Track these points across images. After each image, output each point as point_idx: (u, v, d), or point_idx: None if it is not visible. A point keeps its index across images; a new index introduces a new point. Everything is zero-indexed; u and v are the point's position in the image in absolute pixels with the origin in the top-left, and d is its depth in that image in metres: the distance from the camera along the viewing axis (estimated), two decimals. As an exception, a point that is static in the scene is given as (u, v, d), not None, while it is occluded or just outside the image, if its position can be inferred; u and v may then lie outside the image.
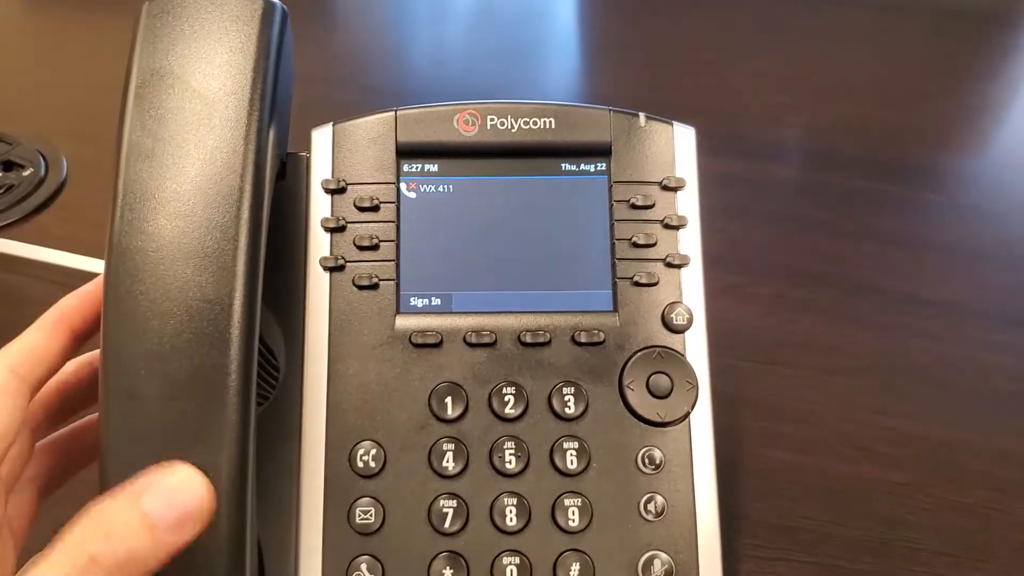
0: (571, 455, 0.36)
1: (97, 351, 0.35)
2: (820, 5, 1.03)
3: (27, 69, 0.88)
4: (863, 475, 0.48)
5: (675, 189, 0.39)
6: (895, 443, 0.50)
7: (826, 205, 0.70)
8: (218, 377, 0.32)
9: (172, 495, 0.28)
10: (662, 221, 0.38)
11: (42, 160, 0.70)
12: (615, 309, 0.38)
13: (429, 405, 0.36)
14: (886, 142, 0.79)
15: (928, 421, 0.51)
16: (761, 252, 0.64)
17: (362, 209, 0.38)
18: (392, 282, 0.37)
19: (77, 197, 0.66)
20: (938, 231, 0.68)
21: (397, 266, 0.38)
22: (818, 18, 1.00)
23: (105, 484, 0.31)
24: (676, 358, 0.37)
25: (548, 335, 0.37)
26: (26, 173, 0.69)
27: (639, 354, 0.37)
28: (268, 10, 0.37)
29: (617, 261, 0.38)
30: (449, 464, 0.36)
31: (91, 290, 0.36)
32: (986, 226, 0.68)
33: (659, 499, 0.36)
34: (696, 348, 0.37)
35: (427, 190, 0.39)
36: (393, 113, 0.39)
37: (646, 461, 0.36)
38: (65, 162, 0.71)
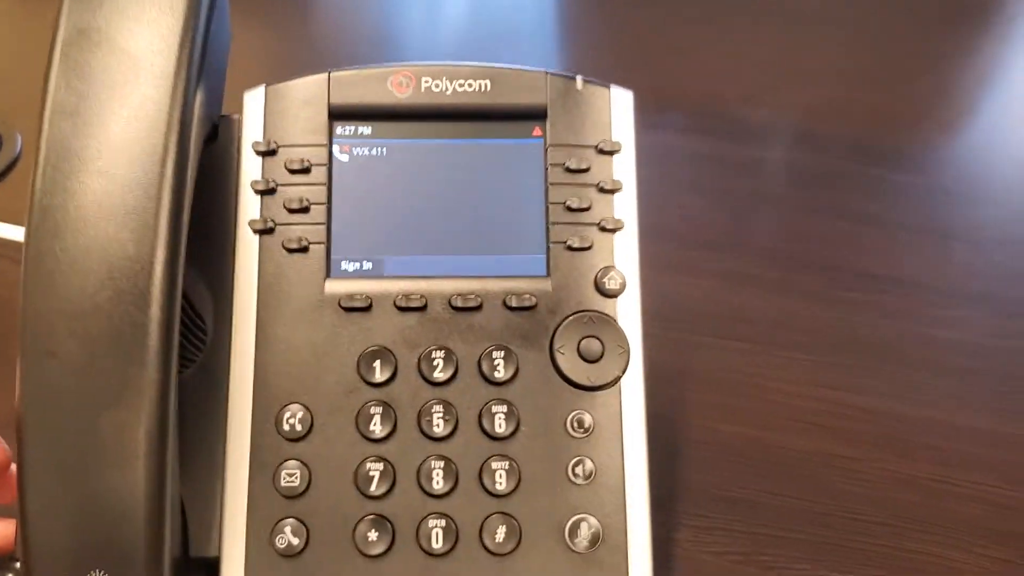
0: (500, 418, 0.36)
1: None
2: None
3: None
4: (809, 448, 0.48)
5: (611, 153, 0.38)
6: (844, 416, 0.50)
7: (798, 185, 0.70)
8: (137, 335, 0.32)
9: None
10: (597, 185, 0.38)
11: (-4, 134, 0.70)
12: (548, 274, 0.37)
13: (358, 369, 0.36)
14: (863, 123, 0.79)
15: (879, 396, 0.51)
16: (717, 228, 0.64)
17: (293, 172, 0.37)
18: (322, 245, 0.37)
19: (31, 172, 0.65)
20: (909, 212, 0.68)
21: (328, 230, 0.37)
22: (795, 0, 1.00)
23: (23, 446, 0.31)
24: (608, 323, 0.37)
25: (479, 299, 0.37)
26: (-20, 147, 0.68)
27: (571, 318, 0.37)
28: (199, -32, 0.37)
29: (551, 225, 0.38)
30: (376, 428, 0.35)
31: None
32: (956, 207, 0.68)
33: (588, 463, 0.35)
34: (629, 313, 0.37)
35: (360, 153, 0.38)
36: (326, 75, 0.38)
37: (575, 425, 0.36)
38: (19, 138, 0.70)
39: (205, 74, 0.36)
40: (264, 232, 0.37)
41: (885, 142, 0.76)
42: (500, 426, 0.35)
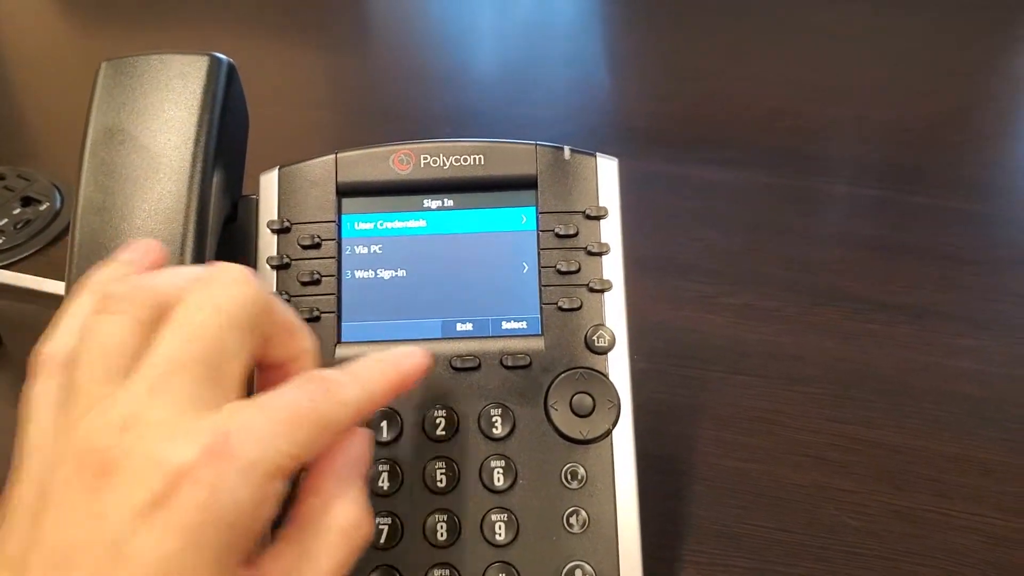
0: (498, 473, 0.38)
1: None
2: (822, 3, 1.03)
3: (49, 105, 0.92)
4: (811, 482, 0.49)
5: (598, 218, 0.41)
6: (846, 450, 0.51)
7: (805, 211, 0.71)
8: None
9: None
10: (585, 248, 0.40)
11: (58, 194, 0.75)
12: (542, 333, 0.40)
13: None
14: (876, 144, 0.80)
15: (882, 427, 0.52)
16: (735, 261, 0.65)
17: (305, 247, 0.41)
18: (333, 314, 0.40)
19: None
20: (916, 234, 0.69)
21: (338, 299, 0.41)
22: (819, 17, 1.01)
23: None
24: (598, 378, 0.39)
25: (477, 359, 0.39)
26: (42, 208, 0.73)
27: (563, 375, 0.39)
28: (213, 65, 0.40)
29: (543, 288, 0.40)
30: (384, 484, 0.38)
31: None
32: (966, 229, 0.69)
33: (582, 513, 0.38)
34: (618, 368, 0.40)
35: (366, 227, 0.41)
36: (334, 156, 0.42)
37: (569, 477, 0.38)
38: (80, 196, 0.75)
39: (221, 162, 0.40)
40: (280, 304, 0.40)
41: (904, 164, 0.77)
42: (499, 480, 0.38)
